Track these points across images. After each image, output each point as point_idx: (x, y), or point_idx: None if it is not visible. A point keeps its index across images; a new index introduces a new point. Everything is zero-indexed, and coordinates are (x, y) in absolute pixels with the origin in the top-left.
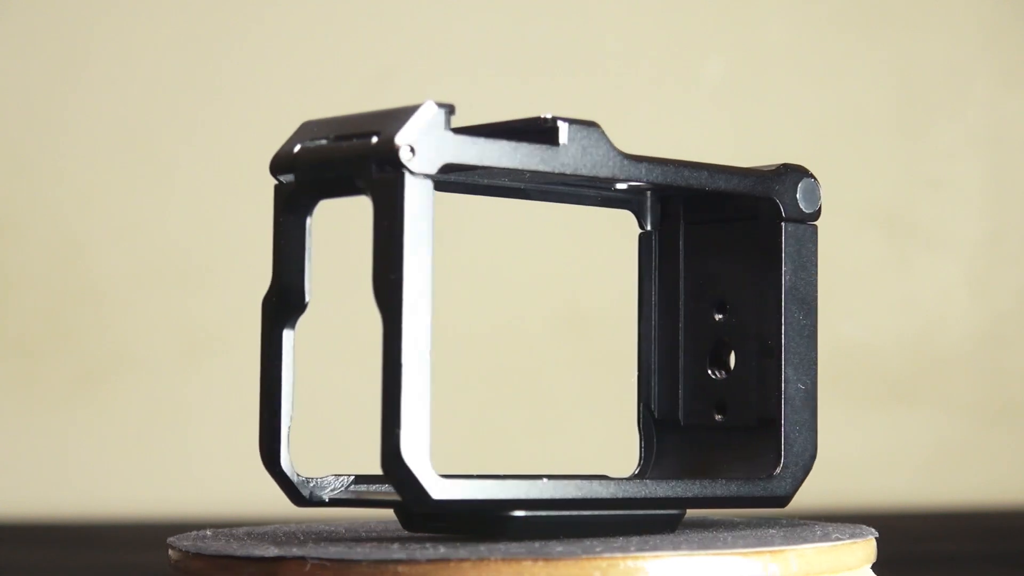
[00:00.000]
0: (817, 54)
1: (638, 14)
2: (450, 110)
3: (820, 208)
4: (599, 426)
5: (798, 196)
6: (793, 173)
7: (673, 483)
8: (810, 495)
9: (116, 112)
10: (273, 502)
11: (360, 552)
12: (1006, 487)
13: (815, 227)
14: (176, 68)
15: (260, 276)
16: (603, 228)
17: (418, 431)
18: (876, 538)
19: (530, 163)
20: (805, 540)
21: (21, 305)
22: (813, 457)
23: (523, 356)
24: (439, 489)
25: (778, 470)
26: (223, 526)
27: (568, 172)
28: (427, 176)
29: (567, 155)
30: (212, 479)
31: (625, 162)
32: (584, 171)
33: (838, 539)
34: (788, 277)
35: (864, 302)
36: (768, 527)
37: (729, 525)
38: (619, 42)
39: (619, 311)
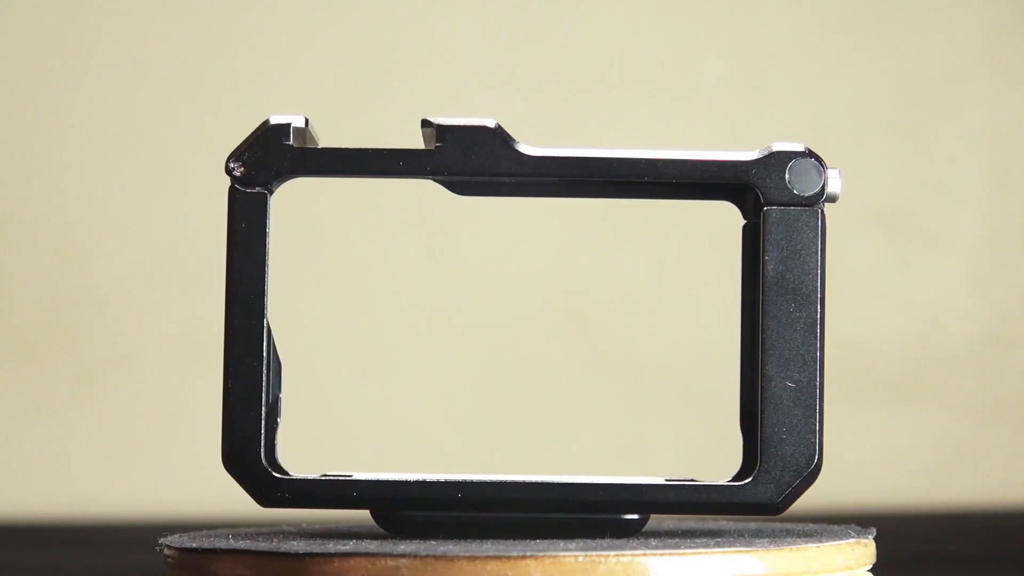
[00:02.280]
0: (817, 54)
1: (638, 14)
2: (296, 125)
3: (824, 190)
4: (602, 426)
5: (788, 178)
6: (781, 155)
7: (635, 484)
8: (809, 495)
9: (116, 112)
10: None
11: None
12: (1006, 487)
13: (815, 211)
14: (176, 68)
15: None
16: (600, 226)
17: (249, 431)
18: (875, 539)
19: (395, 169)
20: (802, 540)
21: (21, 305)
22: (810, 461)
23: (524, 356)
24: (269, 487)
25: (755, 474)
26: (223, 526)
27: (444, 174)
28: (263, 190)
29: (441, 157)
30: (212, 479)
31: (524, 159)
32: (465, 172)
33: (835, 540)
34: (771, 266)
35: (864, 302)
36: (764, 528)
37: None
38: (619, 42)
39: (620, 311)
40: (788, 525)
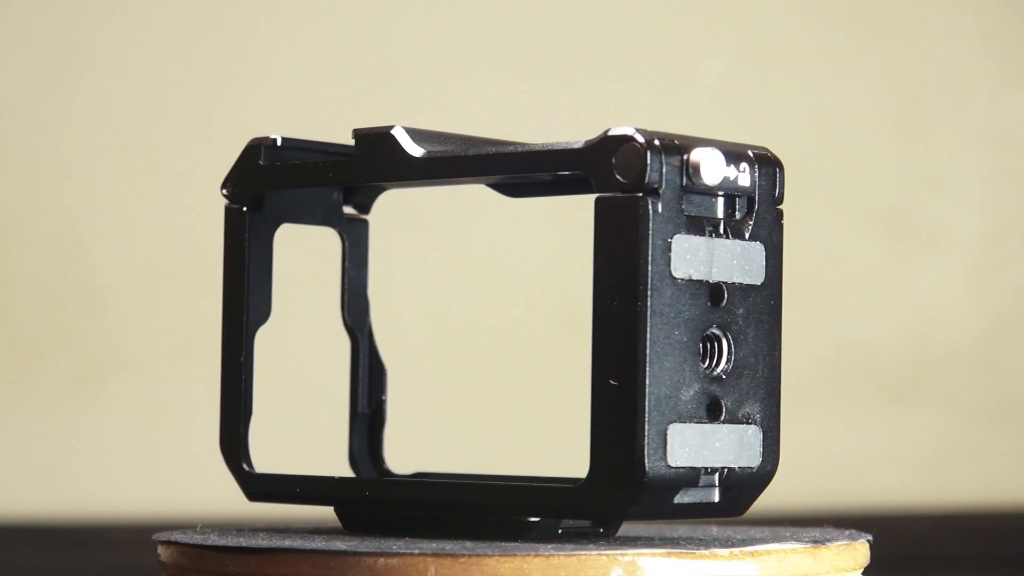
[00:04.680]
0: (818, 54)
1: (638, 14)
2: (272, 144)
3: (644, 176)
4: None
5: (615, 164)
6: (610, 140)
7: (481, 484)
8: (809, 495)
9: (116, 112)
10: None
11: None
12: (1006, 487)
13: (634, 198)
14: (176, 68)
15: None
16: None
17: (234, 428)
18: (870, 542)
19: (331, 178)
20: (795, 542)
21: (21, 305)
22: (633, 465)
23: (524, 356)
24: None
25: (585, 478)
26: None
27: (362, 181)
28: (243, 207)
29: (360, 165)
30: (212, 480)
31: (417, 163)
32: (377, 178)
33: (829, 542)
34: (599, 258)
35: (864, 302)
36: (758, 530)
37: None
38: (619, 42)
39: None
40: (785, 529)
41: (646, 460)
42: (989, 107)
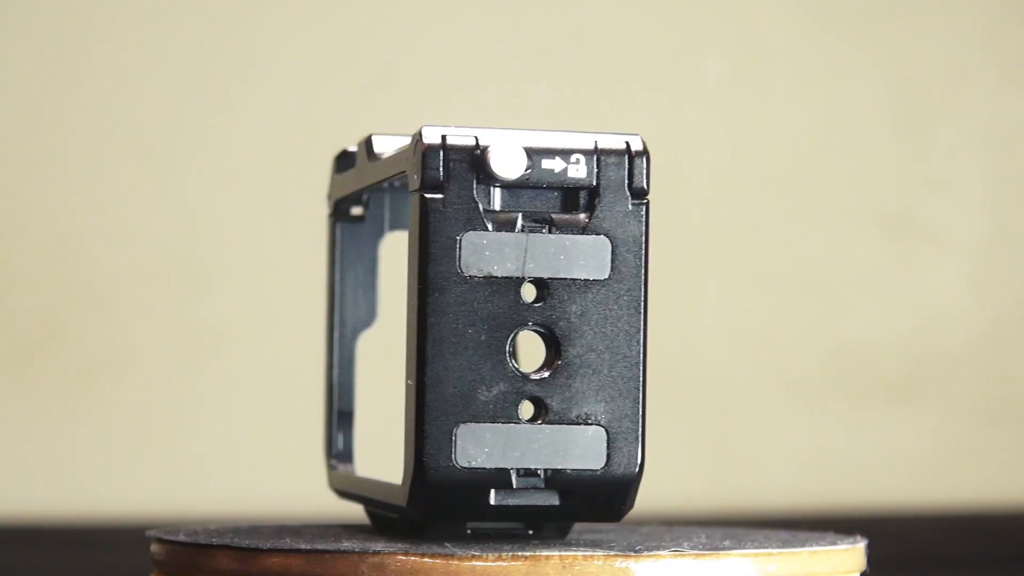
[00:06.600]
0: (818, 54)
1: (637, 14)
2: (342, 155)
3: (429, 175)
4: None
5: (412, 165)
6: (414, 142)
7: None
8: (809, 495)
9: (117, 112)
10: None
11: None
12: (1006, 487)
13: (418, 197)
14: (177, 68)
15: (261, 277)
16: None
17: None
18: (865, 546)
19: (365, 179)
20: (788, 546)
21: (21, 305)
22: (420, 468)
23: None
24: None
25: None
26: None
27: (375, 180)
28: (331, 216)
29: (374, 165)
30: (212, 480)
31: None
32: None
33: (823, 546)
34: (410, 254)
35: (864, 302)
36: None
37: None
38: (619, 42)
39: None
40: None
41: (427, 460)
42: (990, 107)
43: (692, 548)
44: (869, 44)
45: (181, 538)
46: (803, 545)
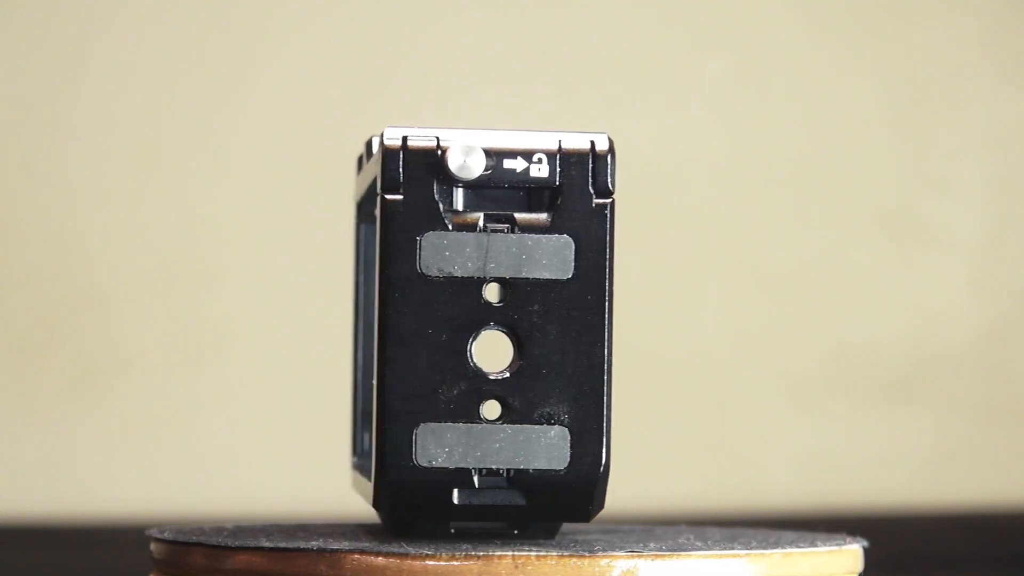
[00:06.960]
0: (817, 54)
1: (638, 14)
2: (362, 156)
3: (387, 176)
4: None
5: (378, 167)
6: (381, 144)
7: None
8: (809, 495)
9: (117, 112)
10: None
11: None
12: (1006, 487)
13: (380, 199)
14: (177, 68)
15: (261, 277)
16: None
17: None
18: (865, 548)
19: (366, 180)
20: (787, 546)
21: (21, 305)
22: (382, 468)
23: None
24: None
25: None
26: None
27: (370, 181)
28: (356, 218)
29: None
30: (213, 480)
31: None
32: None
33: (822, 546)
34: (376, 254)
35: (864, 302)
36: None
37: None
38: (619, 42)
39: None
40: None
41: (388, 459)
42: (989, 107)
43: (651, 549)
44: (869, 44)
45: (166, 535)
46: (775, 546)
